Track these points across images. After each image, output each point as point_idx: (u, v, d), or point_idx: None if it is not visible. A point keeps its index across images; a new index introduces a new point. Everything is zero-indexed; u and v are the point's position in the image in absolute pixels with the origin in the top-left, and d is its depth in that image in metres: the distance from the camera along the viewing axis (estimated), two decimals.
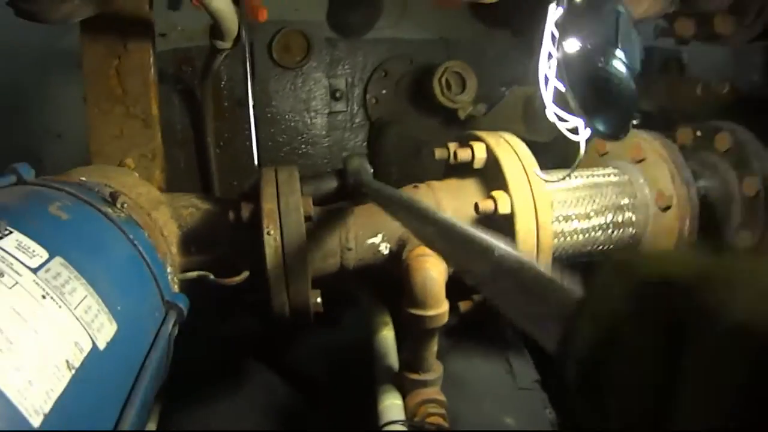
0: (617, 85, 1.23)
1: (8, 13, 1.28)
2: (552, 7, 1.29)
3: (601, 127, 1.27)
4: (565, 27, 1.25)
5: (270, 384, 1.93)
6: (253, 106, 2.30)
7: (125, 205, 1.32)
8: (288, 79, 2.44)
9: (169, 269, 1.37)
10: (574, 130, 1.34)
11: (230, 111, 2.43)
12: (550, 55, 1.31)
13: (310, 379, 2.10)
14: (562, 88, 1.29)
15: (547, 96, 1.34)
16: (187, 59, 2.41)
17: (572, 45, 1.23)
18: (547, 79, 1.33)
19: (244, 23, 1.83)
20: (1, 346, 0.74)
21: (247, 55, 2.29)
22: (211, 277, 1.44)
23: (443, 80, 2.39)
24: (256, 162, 2.34)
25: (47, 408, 0.76)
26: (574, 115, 1.30)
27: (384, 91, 2.54)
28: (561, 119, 1.35)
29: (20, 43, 2.34)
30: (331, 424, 1.89)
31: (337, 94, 2.49)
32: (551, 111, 1.34)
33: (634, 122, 1.31)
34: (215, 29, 1.76)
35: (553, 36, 1.29)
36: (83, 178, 1.39)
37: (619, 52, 1.22)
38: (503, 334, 1.93)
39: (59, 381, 0.80)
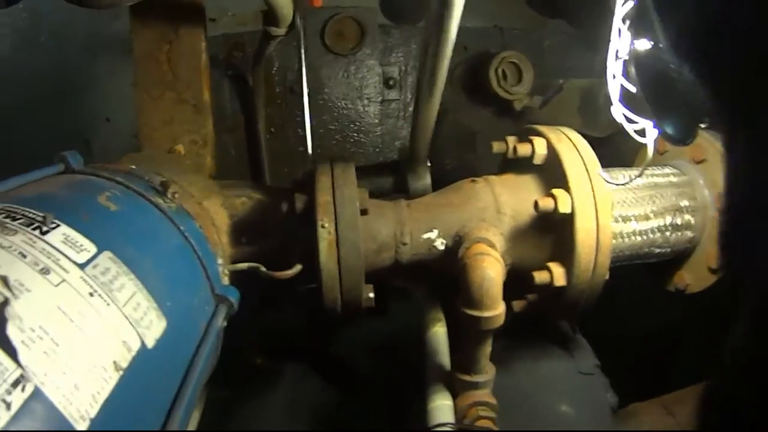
0: (688, 89, 1.17)
1: None
2: (619, 2, 1.23)
3: (669, 130, 1.22)
4: (636, 25, 1.19)
5: (311, 380, 1.91)
6: (306, 94, 2.27)
7: (176, 195, 1.28)
8: (341, 66, 2.40)
9: (219, 261, 1.34)
10: (641, 132, 1.29)
11: (282, 97, 2.39)
12: (617, 53, 1.25)
13: (355, 371, 2.08)
14: (632, 89, 1.23)
15: (614, 94, 1.28)
16: (238, 44, 2.38)
17: (643, 44, 1.18)
18: (614, 77, 1.28)
19: (298, 10, 1.79)
20: (46, 348, 0.71)
21: (302, 41, 2.25)
22: (263, 269, 1.41)
23: (499, 71, 2.33)
24: (309, 150, 2.30)
25: (93, 412, 0.73)
26: (642, 116, 1.25)
27: None
28: (628, 119, 1.29)
29: (70, 28, 2.34)
30: (374, 417, 1.87)
31: (391, 82, 2.44)
32: (618, 110, 1.28)
33: (702, 126, 1.25)
34: (269, 15, 1.72)
35: (619, 31, 1.24)
36: (133, 167, 1.36)
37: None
38: (561, 327, 1.87)
39: (106, 383, 0.77)
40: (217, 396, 1.63)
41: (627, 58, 1.21)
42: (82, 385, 0.73)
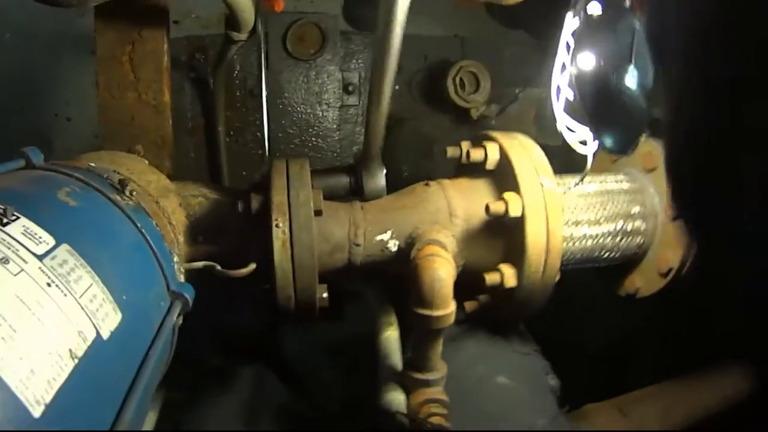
0: (628, 103, 1.22)
1: None
2: (569, 16, 1.28)
3: (608, 142, 1.28)
4: (580, 40, 1.25)
5: (266, 380, 1.92)
6: (266, 97, 2.29)
7: (134, 193, 1.30)
8: (301, 71, 2.43)
9: (175, 258, 1.36)
10: (583, 141, 1.34)
11: (242, 101, 2.41)
12: (563, 66, 1.31)
13: (310, 373, 2.10)
14: (573, 100, 1.29)
15: (558, 106, 1.34)
16: (200, 47, 2.39)
17: (586, 59, 1.23)
18: (559, 90, 1.33)
19: (260, 15, 1.82)
20: (3, 334, 0.73)
21: (263, 46, 2.28)
22: (218, 267, 1.43)
23: (457, 79, 2.38)
24: (266, 153, 2.32)
25: (48, 398, 0.75)
26: (584, 125, 1.31)
27: (397, 87, 2.52)
28: (570, 130, 1.34)
29: (34, 26, 2.34)
30: (330, 418, 1.89)
31: (350, 88, 2.48)
32: (561, 121, 1.34)
33: (642, 139, 1.31)
34: (231, 20, 1.74)
35: (568, 45, 1.29)
36: (92, 164, 1.38)
37: (632, 69, 1.21)
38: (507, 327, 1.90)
39: (62, 370, 0.79)
40: (173, 397, 1.64)
41: (571, 71, 1.26)
42: (38, 370, 0.75)
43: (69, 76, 2.46)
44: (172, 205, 1.49)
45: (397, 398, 1.48)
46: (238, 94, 2.41)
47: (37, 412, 0.72)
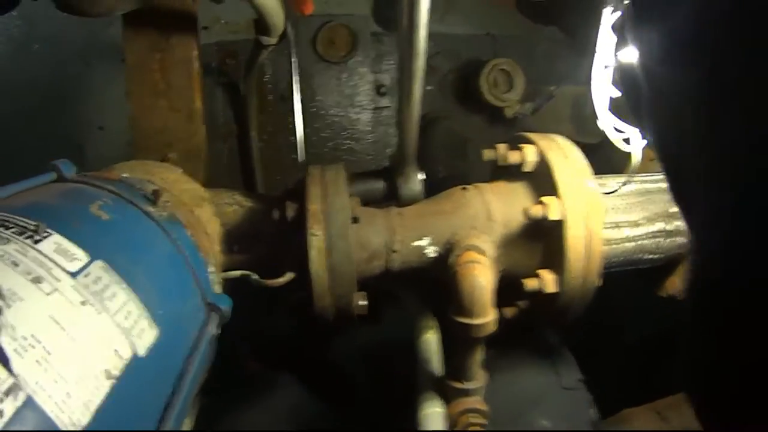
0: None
1: (51, 6, 1.27)
2: (607, 11, 1.24)
3: None
4: (622, 34, 1.21)
5: (303, 389, 1.91)
6: (299, 102, 2.28)
7: (168, 203, 1.29)
8: (332, 74, 2.41)
9: (211, 269, 1.34)
10: (627, 140, 1.30)
11: (274, 105, 2.40)
12: (603, 62, 1.27)
13: (347, 378, 2.08)
14: (618, 94, 1.25)
15: (600, 103, 1.30)
16: (230, 52, 2.39)
17: (628, 53, 1.19)
18: (600, 87, 1.29)
19: (290, 18, 1.80)
20: (39, 357, 0.72)
21: (293, 49, 2.26)
22: (255, 277, 1.41)
23: (490, 78, 2.34)
24: (301, 158, 2.31)
25: (85, 420, 0.74)
26: (629, 124, 1.27)
27: (429, 87, 2.50)
28: (615, 128, 1.30)
29: (64, 36, 2.35)
30: (367, 425, 1.88)
31: (382, 90, 2.46)
32: (604, 119, 1.30)
33: None
34: (260, 24, 1.73)
35: (606, 40, 1.25)
36: (125, 175, 1.36)
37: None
38: (548, 339, 1.89)
39: (98, 391, 0.78)
40: (209, 403, 1.64)
41: (613, 66, 1.22)
42: (74, 393, 0.74)
43: (100, 85, 2.47)
44: (206, 215, 1.48)
45: (434, 412, 1.46)
46: (269, 98, 2.40)
47: None
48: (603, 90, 1.29)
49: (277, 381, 1.91)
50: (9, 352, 0.69)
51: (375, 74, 2.45)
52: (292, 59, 2.27)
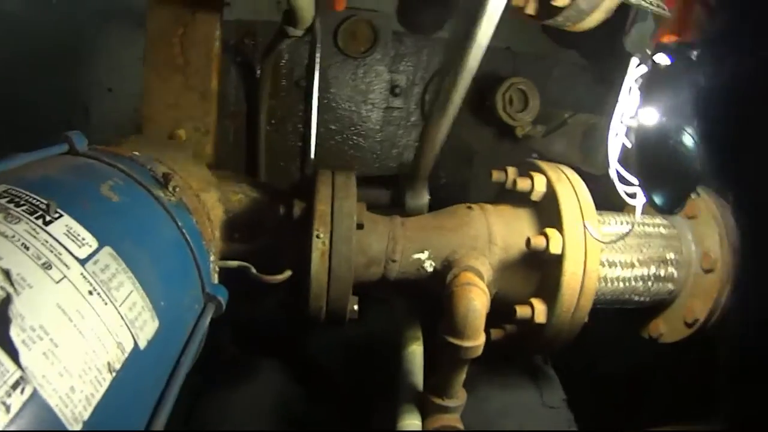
0: (683, 163, 1.20)
1: None
2: (634, 61, 1.25)
3: (657, 200, 1.26)
4: (645, 93, 1.22)
5: (283, 376, 1.92)
6: (316, 94, 2.28)
7: (177, 189, 1.28)
8: (350, 68, 2.40)
9: (211, 257, 1.35)
10: (632, 194, 1.32)
11: (287, 91, 2.39)
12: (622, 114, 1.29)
13: (327, 370, 2.10)
14: (629, 145, 1.27)
15: (613, 153, 1.31)
16: (250, 32, 2.37)
17: (649, 114, 1.21)
18: (616, 136, 1.31)
19: (318, 14, 1.80)
20: (46, 349, 0.72)
21: (318, 45, 2.25)
22: (253, 270, 1.42)
23: (506, 95, 2.35)
24: (311, 154, 2.31)
25: (86, 415, 0.74)
26: (636, 178, 1.29)
27: None
28: (621, 179, 1.32)
29: None
30: (340, 419, 1.89)
31: (397, 90, 2.45)
32: (614, 168, 1.31)
33: (692, 197, 1.29)
34: (289, 15, 1.72)
35: (629, 90, 1.26)
36: (135, 152, 1.36)
37: (690, 129, 1.18)
38: (532, 362, 1.91)
39: (100, 385, 0.78)
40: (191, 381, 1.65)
41: (632, 122, 1.24)
42: (77, 387, 0.74)
43: (116, 47, 2.44)
44: (211, 200, 1.48)
45: (412, 423, 1.47)
46: (283, 83, 2.39)
47: (75, 429, 0.72)
48: (617, 140, 1.30)
49: (256, 366, 1.92)
50: (17, 343, 0.69)
51: (391, 74, 2.44)
52: (316, 55, 2.26)
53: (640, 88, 1.24)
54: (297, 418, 1.84)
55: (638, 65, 1.25)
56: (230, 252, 1.48)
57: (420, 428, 1.46)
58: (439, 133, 1.51)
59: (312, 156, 2.31)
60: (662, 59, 1.22)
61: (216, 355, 1.92)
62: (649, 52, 1.24)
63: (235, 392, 1.83)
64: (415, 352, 1.64)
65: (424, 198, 1.66)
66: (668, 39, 1.33)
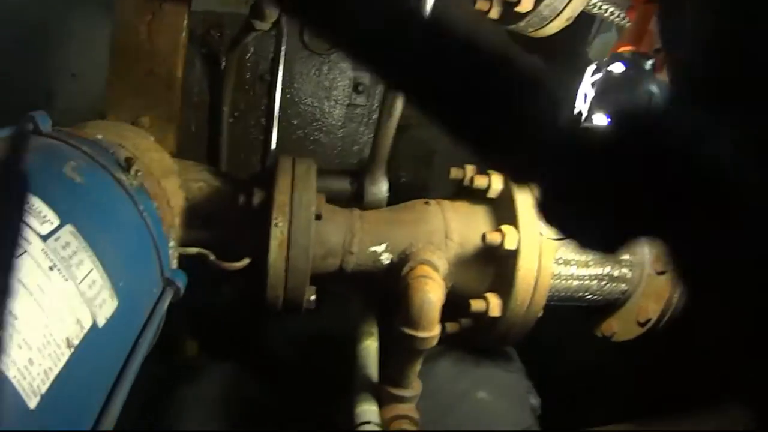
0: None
1: None
2: (590, 69, 1.29)
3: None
4: (597, 99, 1.25)
5: (239, 371, 1.92)
6: (280, 88, 2.28)
7: (139, 173, 1.29)
8: (314, 64, 2.41)
9: (171, 243, 1.36)
10: None
11: (251, 84, 2.40)
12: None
13: (280, 363, 2.10)
14: None
15: None
16: (216, 24, 2.37)
17: (599, 120, 1.24)
18: None
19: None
20: (4, 321, 0.73)
21: (284, 39, 2.26)
22: (212, 257, 1.43)
23: None
24: (273, 145, 2.31)
25: (44, 388, 0.75)
26: None
27: None
28: None
29: None
30: (295, 410, 1.90)
31: (360, 88, 2.46)
32: None
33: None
34: (257, 9, 1.74)
35: (585, 96, 1.29)
36: (99, 136, 1.36)
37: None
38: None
39: (58, 360, 0.79)
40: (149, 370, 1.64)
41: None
42: (36, 359, 0.75)
43: (81, 31, 2.42)
44: (172, 187, 1.48)
45: (370, 409, 1.49)
46: (247, 76, 2.39)
47: (32, 402, 0.73)
48: None
49: (215, 368, 1.91)
50: None
51: (355, 71, 2.46)
52: (281, 49, 2.27)
53: (594, 95, 1.27)
54: (252, 411, 1.84)
55: (592, 73, 1.28)
56: (190, 239, 1.49)
57: (377, 414, 1.48)
58: (391, 122, 1.53)
59: (273, 146, 2.31)
60: (617, 67, 1.25)
61: (174, 344, 1.92)
62: (607, 60, 1.27)
63: (190, 384, 1.82)
64: (370, 347, 1.66)
65: (383, 186, 1.68)
66: (625, 49, 1.36)
